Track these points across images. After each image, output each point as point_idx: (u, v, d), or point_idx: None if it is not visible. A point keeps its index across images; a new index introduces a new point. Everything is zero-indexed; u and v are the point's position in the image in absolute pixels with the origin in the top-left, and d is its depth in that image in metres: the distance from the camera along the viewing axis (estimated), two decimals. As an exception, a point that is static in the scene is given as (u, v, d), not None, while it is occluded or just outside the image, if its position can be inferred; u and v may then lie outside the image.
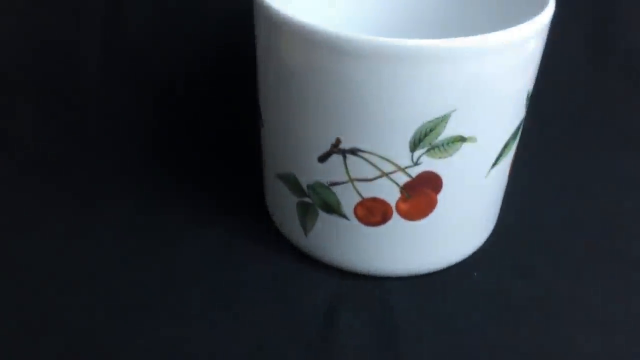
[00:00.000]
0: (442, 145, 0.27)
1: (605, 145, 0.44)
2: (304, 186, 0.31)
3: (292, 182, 0.31)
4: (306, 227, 0.32)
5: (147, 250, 0.34)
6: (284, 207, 0.33)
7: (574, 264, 0.34)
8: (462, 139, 0.28)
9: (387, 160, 0.28)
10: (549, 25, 0.28)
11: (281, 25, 0.27)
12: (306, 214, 0.32)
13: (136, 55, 0.41)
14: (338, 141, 0.28)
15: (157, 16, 0.40)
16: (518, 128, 0.30)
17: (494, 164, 0.30)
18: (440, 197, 0.29)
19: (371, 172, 0.28)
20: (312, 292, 0.32)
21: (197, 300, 0.32)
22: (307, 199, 0.31)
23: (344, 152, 0.28)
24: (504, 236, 0.35)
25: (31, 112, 0.41)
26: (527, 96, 0.30)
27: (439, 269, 0.33)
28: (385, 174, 0.28)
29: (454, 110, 0.26)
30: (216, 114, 0.42)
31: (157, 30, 0.40)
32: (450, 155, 0.28)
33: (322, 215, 0.31)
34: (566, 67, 0.45)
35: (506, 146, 0.30)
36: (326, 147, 0.28)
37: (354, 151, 0.28)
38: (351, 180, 0.29)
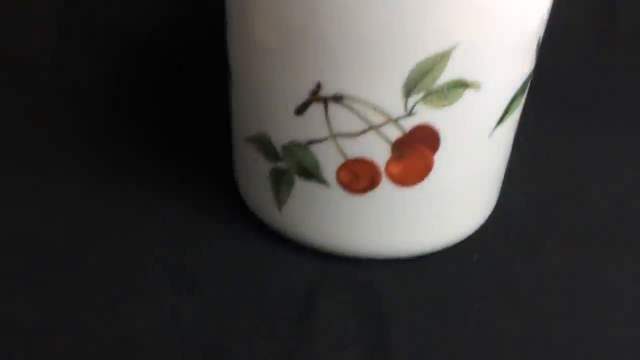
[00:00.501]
0: (441, 90, 0.23)
1: (614, 124, 0.40)
2: (278, 148, 0.26)
3: (264, 144, 0.27)
4: (280, 199, 0.27)
5: (103, 230, 0.29)
6: (254, 177, 0.28)
7: (582, 243, 0.30)
8: (465, 84, 0.23)
9: (377, 109, 0.23)
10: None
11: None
12: (280, 182, 0.27)
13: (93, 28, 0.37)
14: (318, 86, 0.24)
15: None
16: (527, 80, 0.26)
17: (500, 121, 0.26)
18: (437, 157, 0.25)
19: (357, 125, 0.24)
20: (286, 277, 0.28)
21: (156, 287, 0.27)
22: (281, 164, 0.26)
23: (325, 100, 0.24)
24: (507, 214, 0.31)
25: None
26: (538, 43, 0.26)
27: (434, 251, 0.28)
28: (373, 127, 0.24)
29: (454, 47, 0.22)
30: (179, 80, 0.37)
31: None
32: (450, 104, 0.24)
33: (299, 183, 0.26)
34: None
35: (514, 100, 0.26)
36: (305, 95, 0.24)
37: (338, 98, 0.23)
38: (333, 135, 0.24)
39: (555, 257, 0.29)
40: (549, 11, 0.25)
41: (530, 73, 0.26)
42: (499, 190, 0.30)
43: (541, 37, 0.26)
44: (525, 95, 0.27)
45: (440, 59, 0.22)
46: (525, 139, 0.37)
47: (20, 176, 0.32)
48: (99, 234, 0.29)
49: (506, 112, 0.26)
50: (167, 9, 0.37)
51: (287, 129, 0.25)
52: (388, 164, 0.25)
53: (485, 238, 0.30)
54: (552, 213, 0.32)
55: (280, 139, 0.26)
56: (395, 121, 0.24)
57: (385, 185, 0.25)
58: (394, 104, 0.23)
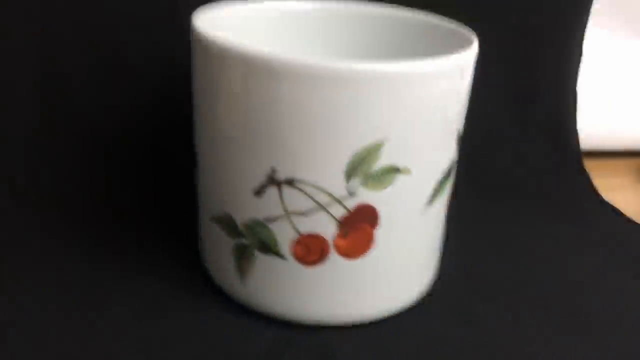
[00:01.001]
0: (377, 175, 0.28)
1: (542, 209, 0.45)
2: (240, 226, 0.30)
3: (227, 223, 0.30)
4: (242, 272, 0.31)
5: (73, 305, 0.32)
6: (219, 253, 0.32)
7: (518, 313, 0.34)
8: (397, 170, 0.28)
9: (323, 190, 0.28)
10: (472, 64, 0.29)
11: (212, 48, 0.27)
12: (242, 257, 0.30)
13: (68, 104, 0.40)
14: (273, 171, 0.28)
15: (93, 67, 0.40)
16: (450, 168, 0.31)
17: (430, 202, 0.30)
18: (377, 232, 0.29)
19: (307, 204, 0.28)
20: (247, 344, 0.30)
21: (124, 358, 0.29)
22: (243, 240, 0.30)
23: (279, 183, 0.28)
24: (446, 286, 0.35)
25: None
26: (458, 135, 0.31)
27: (381, 317, 0.32)
28: (322, 206, 0.28)
29: (385, 138, 0.27)
30: (151, 163, 0.41)
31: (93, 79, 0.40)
32: (385, 187, 0.28)
33: (259, 257, 0.30)
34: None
35: (441, 184, 0.30)
36: (261, 179, 0.28)
37: (290, 182, 0.28)
38: (287, 214, 0.28)
39: (488, 323, 0.33)
40: (466, 107, 0.31)
41: (454, 160, 0.31)
42: (437, 262, 0.34)
43: (461, 129, 0.31)
44: (451, 180, 0.31)
45: (374, 149, 0.27)
46: (463, 222, 0.42)
47: None
48: (70, 309, 0.32)
49: (435, 193, 0.30)
50: (141, 103, 0.41)
51: (247, 209, 0.29)
52: (335, 239, 0.29)
53: (426, 306, 0.33)
54: (486, 285, 0.36)
55: (241, 218, 0.30)
56: (339, 201, 0.28)
57: (334, 258, 0.29)
58: (338, 186, 0.27)
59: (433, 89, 0.27)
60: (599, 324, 0.34)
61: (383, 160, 0.27)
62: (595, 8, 0.47)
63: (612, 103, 0.54)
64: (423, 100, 0.27)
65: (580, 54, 0.48)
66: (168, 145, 0.40)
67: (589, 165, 0.51)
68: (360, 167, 0.27)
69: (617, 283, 0.37)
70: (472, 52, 0.29)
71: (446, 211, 0.33)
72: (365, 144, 0.27)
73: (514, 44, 0.46)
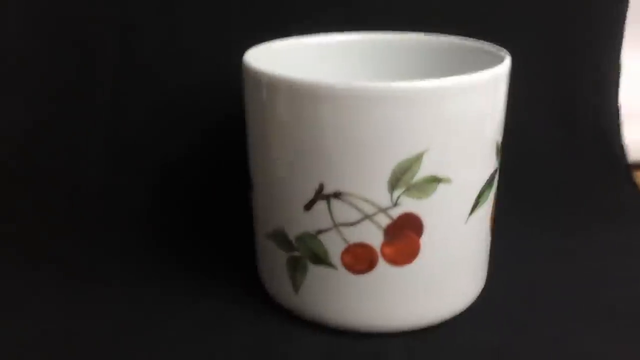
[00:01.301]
0: (419, 185, 0.29)
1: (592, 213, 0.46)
2: (292, 239, 0.32)
3: (280, 238, 0.32)
4: (296, 283, 0.33)
5: (142, 323, 0.35)
6: (274, 267, 0.34)
7: (568, 322, 0.34)
8: (437, 180, 0.29)
9: (368, 201, 0.29)
10: (506, 77, 0.31)
11: (262, 79, 0.30)
12: (296, 269, 0.32)
13: (131, 139, 0.44)
14: (321, 186, 0.30)
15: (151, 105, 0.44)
16: (492, 177, 0.32)
17: (472, 210, 0.31)
18: (422, 240, 0.30)
19: (354, 215, 0.30)
20: (301, 352, 0.32)
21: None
22: (296, 253, 0.32)
23: (327, 197, 0.30)
24: (495, 294, 0.36)
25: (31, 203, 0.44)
26: (497, 146, 0.32)
27: (431, 324, 0.33)
28: (368, 216, 0.30)
29: (425, 150, 0.29)
30: (210, 191, 0.44)
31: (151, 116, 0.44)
32: (428, 196, 0.30)
33: (311, 268, 0.32)
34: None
35: (482, 193, 0.32)
36: (311, 195, 0.30)
37: (337, 195, 0.30)
38: (336, 225, 0.30)
39: (537, 331, 0.34)
40: (503, 120, 0.32)
41: (495, 170, 0.32)
42: (485, 270, 0.35)
43: (499, 141, 0.32)
44: (493, 189, 0.33)
45: (415, 160, 0.29)
46: (512, 233, 0.43)
47: (63, 280, 0.38)
48: (141, 325, 0.35)
49: (477, 203, 0.31)
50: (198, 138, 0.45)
51: (299, 223, 0.31)
52: (382, 247, 0.30)
53: (477, 313, 0.34)
54: (535, 294, 0.37)
55: (294, 232, 0.32)
56: (384, 210, 0.30)
57: (383, 266, 0.31)
58: (382, 197, 0.29)
59: (468, 103, 0.29)
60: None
61: (424, 171, 0.29)
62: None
63: None
64: (458, 113, 0.29)
65: (618, 64, 0.48)
66: (225, 172, 0.43)
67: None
68: (403, 177, 0.29)
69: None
70: (504, 67, 0.31)
71: (491, 220, 0.34)
72: (406, 157, 0.29)
73: (552, 60, 0.48)
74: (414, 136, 0.28)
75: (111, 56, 0.43)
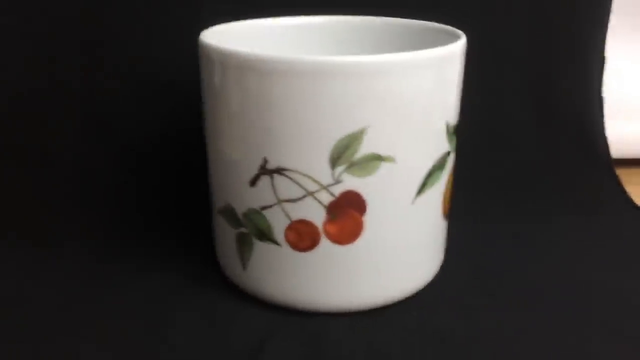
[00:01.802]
0: (360, 162, 0.29)
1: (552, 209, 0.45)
2: (240, 215, 0.32)
3: (229, 214, 0.33)
4: (244, 260, 0.33)
5: (93, 294, 0.35)
6: (224, 243, 0.34)
7: (518, 308, 0.34)
8: (380, 158, 0.29)
9: (310, 178, 0.29)
10: (458, 57, 0.31)
11: (212, 53, 0.30)
12: (243, 245, 0.33)
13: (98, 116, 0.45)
14: (265, 161, 0.30)
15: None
16: (443, 159, 0.32)
17: (420, 192, 0.31)
18: (366, 219, 0.30)
19: (297, 192, 0.30)
20: (243, 330, 0.32)
21: (131, 338, 0.32)
22: (243, 229, 0.32)
23: (271, 172, 0.30)
24: (449, 279, 0.36)
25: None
26: (449, 129, 0.32)
27: (376, 306, 0.33)
28: (310, 193, 0.30)
29: (367, 127, 0.28)
30: (180, 169, 0.45)
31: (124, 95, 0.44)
32: (370, 174, 0.29)
33: (257, 244, 0.32)
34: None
35: (430, 175, 0.31)
36: (255, 170, 0.30)
37: (280, 170, 0.30)
38: (279, 201, 0.30)
39: (485, 317, 0.33)
40: (457, 101, 0.32)
41: (447, 153, 0.32)
42: (438, 256, 0.35)
43: (452, 124, 0.32)
44: (445, 172, 0.32)
45: (356, 137, 0.29)
46: (483, 222, 0.42)
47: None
48: (93, 295, 0.35)
49: (424, 184, 0.31)
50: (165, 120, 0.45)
51: (245, 199, 0.31)
52: (325, 224, 0.30)
53: (425, 297, 0.34)
54: (492, 281, 0.36)
55: (241, 208, 0.32)
56: (326, 187, 0.29)
57: (325, 244, 0.31)
58: (324, 173, 0.29)
59: (411, 81, 0.29)
60: (599, 322, 0.33)
61: (366, 149, 0.29)
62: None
63: None
64: (401, 91, 0.29)
65: (602, 57, 0.47)
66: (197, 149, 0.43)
67: (625, 172, 0.50)
68: (344, 154, 0.29)
69: (628, 282, 0.36)
70: (453, 47, 0.30)
71: (445, 203, 0.34)
72: (347, 133, 0.29)
73: (533, 47, 0.47)
74: (354, 112, 0.28)
75: (82, 34, 0.43)
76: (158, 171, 0.44)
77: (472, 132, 0.40)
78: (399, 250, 0.32)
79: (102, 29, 0.44)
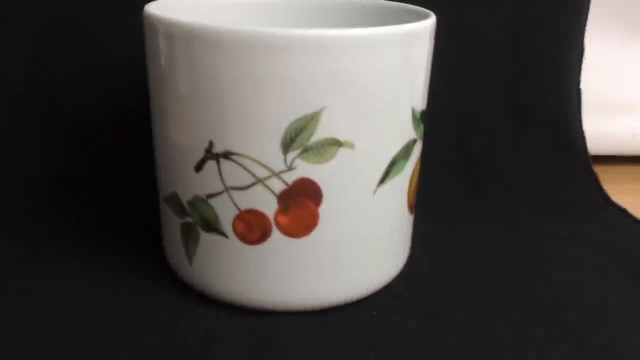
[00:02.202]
0: (316, 147, 0.26)
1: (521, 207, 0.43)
2: (185, 203, 0.29)
3: (174, 202, 0.30)
4: (189, 252, 0.30)
5: (30, 285, 0.32)
6: (171, 234, 0.31)
7: (484, 308, 0.32)
8: (338, 143, 0.27)
9: (260, 163, 0.27)
10: (426, 38, 0.28)
11: (157, 25, 0.27)
12: (188, 236, 0.30)
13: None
14: (211, 144, 0.27)
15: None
16: (407, 147, 0.29)
17: (382, 181, 0.29)
18: (322, 210, 0.28)
19: (246, 179, 0.27)
20: (188, 328, 0.29)
21: (67, 333, 0.29)
22: (188, 219, 0.29)
23: (217, 157, 0.27)
24: (414, 277, 0.33)
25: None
26: (414, 114, 0.29)
27: (331, 305, 0.30)
28: (260, 180, 0.27)
29: (323, 108, 0.26)
30: (121, 152, 0.42)
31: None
32: (327, 160, 0.27)
33: (204, 236, 0.29)
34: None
35: (394, 163, 0.29)
36: (201, 154, 0.28)
37: (227, 155, 0.27)
38: (227, 189, 0.28)
39: (453, 320, 0.31)
40: (423, 85, 0.29)
41: (412, 141, 0.30)
42: (401, 252, 0.33)
43: (419, 109, 0.29)
44: (411, 161, 0.30)
45: (310, 119, 0.26)
46: (456, 221, 0.40)
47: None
48: (33, 287, 0.32)
49: (387, 173, 0.29)
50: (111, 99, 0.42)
51: (190, 186, 0.28)
52: (276, 215, 0.28)
53: (387, 297, 0.32)
54: (456, 282, 0.34)
55: (185, 195, 0.29)
56: (277, 174, 0.27)
57: (277, 236, 0.28)
58: (276, 159, 0.27)
59: (373, 59, 0.26)
60: (575, 322, 0.31)
61: (322, 132, 0.26)
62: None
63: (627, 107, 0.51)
64: (362, 70, 0.26)
65: (581, 50, 0.45)
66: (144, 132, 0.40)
67: (603, 170, 0.48)
68: (298, 138, 0.26)
69: (607, 283, 0.34)
70: (422, 25, 0.28)
71: (410, 195, 0.31)
72: (301, 114, 0.26)
73: (511, 40, 0.45)
74: (310, 91, 0.26)
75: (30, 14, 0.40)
76: (105, 158, 0.41)
77: (442, 121, 0.38)
78: (358, 245, 0.29)
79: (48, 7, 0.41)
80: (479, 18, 0.44)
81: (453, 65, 0.43)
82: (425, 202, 0.36)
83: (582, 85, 0.46)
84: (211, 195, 0.28)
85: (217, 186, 0.28)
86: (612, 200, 0.44)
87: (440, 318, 0.31)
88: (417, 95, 0.29)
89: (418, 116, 0.30)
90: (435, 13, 0.31)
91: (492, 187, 0.44)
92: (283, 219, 0.28)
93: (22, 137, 0.41)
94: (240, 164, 0.27)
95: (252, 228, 0.28)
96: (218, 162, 0.27)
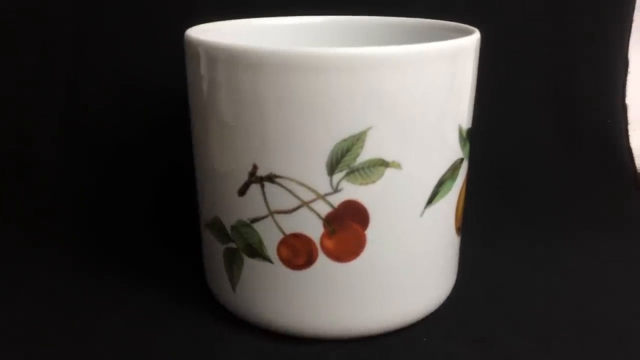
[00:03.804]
0: (363, 168, 0.26)
1: (575, 222, 0.41)
2: (228, 229, 0.29)
3: (217, 228, 0.29)
4: (233, 279, 0.29)
5: (76, 310, 0.32)
6: (213, 260, 0.31)
7: (534, 335, 0.30)
8: (384, 163, 0.26)
9: (306, 186, 0.26)
10: (472, 54, 0.27)
11: (199, 48, 0.27)
12: (232, 262, 0.29)
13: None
14: (255, 168, 0.27)
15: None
16: (455, 166, 0.28)
17: (429, 202, 0.28)
18: (369, 233, 0.27)
19: (291, 202, 0.26)
20: (233, 357, 0.28)
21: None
22: (232, 245, 0.29)
23: (261, 180, 0.27)
24: (463, 303, 0.32)
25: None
26: (462, 133, 0.28)
27: (380, 332, 0.29)
28: (305, 203, 0.26)
29: (369, 128, 0.25)
30: (163, 183, 0.41)
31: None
32: (374, 182, 0.26)
33: (248, 261, 0.28)
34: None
35: (442, 184, 0.28)
36: (245, 178, 0.27)
37: (271, 178, 0.26)
38: (271, 213, 0.27)
39: (503, 345, 0.29)
40: (470, 103, 0.29)
41: (460, 160, 0.29)
42: (449, 275, 0.31)
43: (465, 128, 0.29)
44: (458, 181, 0.29)
45: (356, 140, 0.25)
46: (502, 240, 0.39)
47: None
48: (72, 314, 0.32)
49: (435, 194, 0.28)
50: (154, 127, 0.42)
51: (233, 210, 0.28)
52: (322, 239, 0.27)
53: (437, 323, 0.30)
54: (506, 306, 0.33)
55: (229, 220, 0.28)
56: (323, 197, 0.26)
57: (323, 261, 0.27)
58: (321, 181, 0.26)
59: (419, 77, 0.25)
60: (622, 347, 0.29)
61: (368, 153, 0.26)
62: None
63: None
64: (408, 88, 0.25)
65: (625, 64, 0.44)
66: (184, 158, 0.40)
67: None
68: (344, 159, 0.26)
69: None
70: (468, 40, 0.27)
71: (458, 216, 0.30)
72: (347, 135, 0.25)
73: (552, 53, 0.44)
74: (355, 111, 0.25)
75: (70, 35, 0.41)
76: (147, 182, 0.41)
77: (487, 139, 0.37)
78: (406, 269, 0.28)
79: (89, 30, 0.41)
80: (520, 34, 0.44)
81: (494, 82, 0.42)
82: (472, 223, 0.35)
83: (628, 100, 0.45)
84: (255, 220, 0.27)
85: (262, 210, 0.27)
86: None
87: (491, 343, 0.29)
88: (463, 113, 0.28)
89: (464, 135, 0.29)
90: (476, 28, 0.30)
91: (539, 206, 0.42)
92: (329, 243, 0.27)
93: (62, 162, 0.41)
94: (285, 187, 0.26)
95: (298, 253, 0.27)
96: (262, 186, 0.27)
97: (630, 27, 0.44)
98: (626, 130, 0.45)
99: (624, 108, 0.45)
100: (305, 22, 0.36)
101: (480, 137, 0.36)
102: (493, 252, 0.38)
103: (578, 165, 0.44)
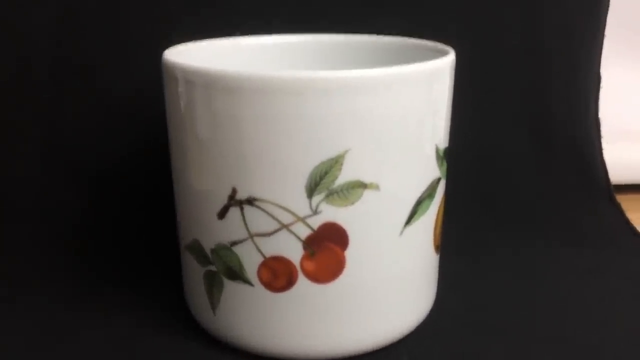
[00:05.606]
0: (341, 190, 0.26)
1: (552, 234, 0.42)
2: (208, 251, 0.29)
3: (197, 250, 0.29)
4: (213, 302, 0.29)
5: (48, 337, 0.31)
6: (193, 283, 0.31)
7: (517, 346, 0.31)
8: (363, 185, 0.26)
9: (285, 209, 0.26)
10: (447, 74, 0.28)
11: (175, 71, 0.27)
12: (212, 285, 0.29)
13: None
14: (234, 191, 0.27)
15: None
16: (432, 186, 0.29)
17: (408, 222, 0.28)
18: (348, 254, 0.27)
19: (270, 225, 0.27)
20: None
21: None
22: (212, 267, 0.29)
23: (241, 203, 0.27)
24: (443, 319, 0.32)
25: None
26: (439, 152, 0.29)
27: (360, 352, 0.29)
28: (285, 226, 0.26)
29: (347, 150, 0.25)
30: (150, 199, 0.41)
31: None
32: (352, 203, 0.26)
33: (228, 284, 0.28)
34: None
35: (420, 203, 0.28)
36: (224, 201, 0.27)
37: (251, 201, 0.26)
38: (251, 236, 0.27)
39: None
40: (445, 122, 0.29)
41: (437, 179, 0.29)
42: (428, 294, 0.32)
43: (441, 147, 0.29)
44: (436, 201, 0.29)
45: (335, 162, 0.25)
46: (478, 254, 0.39)
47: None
48: (49, 335, 0.31)
49: (413, 213, 0.28)
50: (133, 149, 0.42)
51: (213, 233, 0.28)
52: (302, 261, 0.27)
53: (418, 341, 0.31)
54: (486, 320, 0.33)
55: (208, 243, 0.28)
56: (303, 219, 0.26)
57: (303, 283, 0.27)
58: (301, 204, 0.26)
59: (396, 99, 0.26)
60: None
61: (346, 175, 0.26)
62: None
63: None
64: (384, 110, 0.26)
65: (598, 79, 0.45)
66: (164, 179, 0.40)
67: (625, 198, 0.47)
68: (322, 182, 0.26)
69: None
70: (443, 62, 0.28)
71: (436, 235, 0.30)
72: (325, 158, 0.25)
73: (524, 67, 0.44)
74: (332, 134, 0.25)
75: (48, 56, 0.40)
76: (125, 205, 0.41)
77: (462, 158, 0.37)
78: (386, 288, 0.29)
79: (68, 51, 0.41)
80: (493, 50, 0.44)
81: (468, 99, 0.43)
82: (450, 239, 0.36)
83: (601, 114, 0.46)
84: (235, 243, 0.27)
85: (241, 233, 0.27)
86: (637, 230, 0.43)
87: (472, 358, 0.30)
88: (439, 133, 0.29)
89: (441, 154, 0.29)
90: (450, 47, 0.30)
91: (515, 220, 0.43)
92: (309, 265, 0.27)
93: (41, 185, 0.41)
94: (264, 210, 0.26)
95: (278, 275, 0.27)
96: (242, 209, 0.27)
97: (602, 42, 0.45)
98: (599, 144, 0.46)
99: (597, 122, 0.46)
100: (283, 41, 0.36)
101: (456, 154, 0.37)
102: (473, 268, 0.38)
103: (553, 180, 0.45)
